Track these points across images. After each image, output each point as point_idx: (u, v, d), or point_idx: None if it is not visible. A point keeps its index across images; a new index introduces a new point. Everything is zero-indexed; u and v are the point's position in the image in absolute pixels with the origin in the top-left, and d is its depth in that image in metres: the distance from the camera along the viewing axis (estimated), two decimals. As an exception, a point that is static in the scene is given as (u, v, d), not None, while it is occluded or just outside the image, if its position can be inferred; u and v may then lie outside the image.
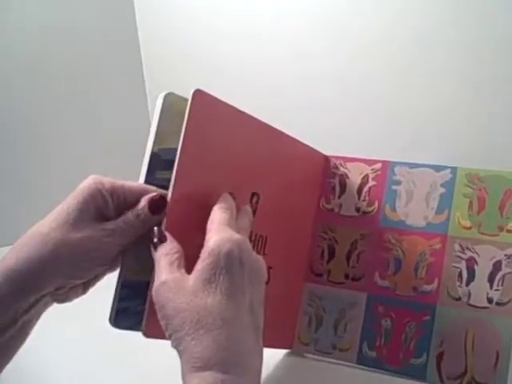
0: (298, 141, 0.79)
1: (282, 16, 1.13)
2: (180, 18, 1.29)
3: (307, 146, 0.81)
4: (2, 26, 1.29)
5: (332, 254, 0.83)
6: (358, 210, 0.83)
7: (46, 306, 0.64)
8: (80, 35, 1.39)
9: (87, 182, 0.62)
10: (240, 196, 0.68)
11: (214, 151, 0.65)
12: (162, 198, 0.62)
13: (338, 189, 0.84)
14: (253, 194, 0.72)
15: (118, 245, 0.62)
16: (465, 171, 0.80)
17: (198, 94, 0.62)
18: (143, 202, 0.63)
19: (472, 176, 0.79)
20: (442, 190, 0.80)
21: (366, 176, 0.83)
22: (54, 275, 0.60)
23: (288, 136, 0.77)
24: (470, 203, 0.79)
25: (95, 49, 1.40)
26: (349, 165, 0.84)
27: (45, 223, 0.61)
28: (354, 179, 0.83)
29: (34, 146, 1.35)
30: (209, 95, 0.64)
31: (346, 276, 0.82)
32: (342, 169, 0.84)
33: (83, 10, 1.40)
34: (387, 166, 0.82)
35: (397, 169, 0.82)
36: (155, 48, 1.36)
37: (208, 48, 1.24)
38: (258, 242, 0.73)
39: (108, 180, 0.63)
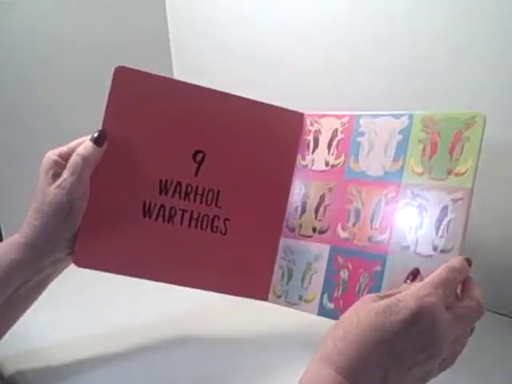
0: (261, 103, 0.85)
1: (309, 24, 1.13)
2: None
3: (278, 108, 0.86)
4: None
5: (304, 209, 0.85)
6: (327, 164, 0.83)
7: (62, 263, 0.81)
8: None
9: (44, 159, 0.79)
10: (181, 153, 0.82)
11: (143, 115, 0.81)
12: (101, 131, 0.79)
13: (311, 145, 0.85)
14: (196, 152, 0.82)
15: (76, 185, 0.76)
16: (420, 116, 0.76)
17: (120, 70, 0.79)
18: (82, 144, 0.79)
19: (426, 120, 0.76)
20: (400, 137, 0.78)
21: (336, 130, 0.83)
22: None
23: (243, 99, 0.84)
24: (424, 148, 0.75)
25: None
26: (322, 120, 0.85)
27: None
28: (326, 134, 0.84)
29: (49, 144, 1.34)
30: (132, 70, 0.80)
31: (314, 229, 0.83)
32: (316, 125, 0.85)
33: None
34: (353, 118, 0.82)
35: (362, 120, 0.81)
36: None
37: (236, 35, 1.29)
38: (207, 195, 0.83)
39: (58, 149, 0.80)
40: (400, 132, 0.77)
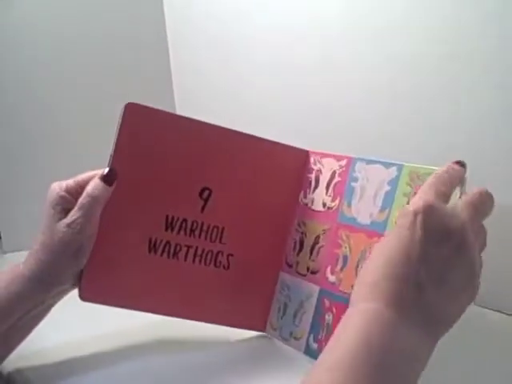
0: (267, 140, 0.86)
1: (309, 22, 1.13)
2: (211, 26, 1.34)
3: (284, 145, 0.87)
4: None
5: (301, 247, 0.86)
6: (324, 205, 0.84)
7: (66, 292, 0.82)
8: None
9: (49, 192, 0.79)
10: (188, 190, 0.83)
11: (150, 152, 0.81)
12: (111, 170, 0.78)
13: (313, 184, 0.86)
14: (203, 189, 0.84)
15: (86, 223, 0.77)
16: (408, 169, 0.76)
17: (131, 107, 0.79)
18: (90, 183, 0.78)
19: (412, 174, 0.75)
20: (388, 187, 0.77)
21: (334, 172, 0.83)
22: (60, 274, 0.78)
23: (250, 136, 0.85)
24: (407, 202, 0.75)
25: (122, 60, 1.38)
26: (323, 160, 0.85)
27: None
28: (326, 175, 0.84)
29: (53, 152, 1.33)
30: (142, 106, 0.80)
31: (307, 268, 0.84)
32: (318, 164, 0.86)
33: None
34: (350, 162, 0.82)
35: (357, 165, 0.81)
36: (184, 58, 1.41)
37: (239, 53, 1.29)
38: (212, 232, 0.85)
39: (64, 182, 0.80)
40: (389, 183, 0.77)
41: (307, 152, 0.87)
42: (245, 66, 1.26)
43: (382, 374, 0.54)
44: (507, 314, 0.92)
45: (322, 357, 0.57)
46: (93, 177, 0.79)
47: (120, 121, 0.79)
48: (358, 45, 1.05)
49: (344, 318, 0.60)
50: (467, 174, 0.68)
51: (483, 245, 0.65)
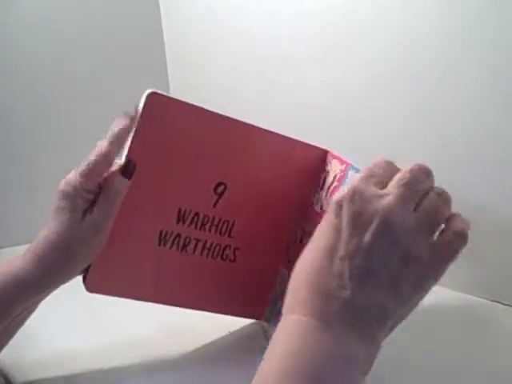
0: (288, 138, 0.84)
1: (306, 16, 1.07)
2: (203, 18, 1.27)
3: (304, 144, 0.84)
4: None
5: (300, 245, 0.85)
6: (321, 207, 0.82)
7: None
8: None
9: (62, 193, 0.72)
10: (203, 184, 0.82)
11: (168, 144, 0.78)
12: (130, 162, 0.74)
13: (321, 184, 0.84)
14: (218, 184, 0.82)
15: (106, 221, 0.74)
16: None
17: (153, 97, 0.74)
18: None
19: None
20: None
21: (335, 176, 0.81)
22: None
23: (270, 132, 0.83)
24: None
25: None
26: (333, 162, 0.82)
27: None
28: (330, 176, 0.82)
29: (48, 148, 1.32)
30: (164, 97, 0.76)
31: None
32: (329, 165, 0.83)
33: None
34: (347, 167, 0.79)
35: (349, 172, 0.78)
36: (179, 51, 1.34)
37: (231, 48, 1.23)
38: (222, 226, 0.84)
39: (76, 180, 0.72)
40: None
41: (326, 152, 0.85)
42: (242, 61, 1.23)
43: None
44: (504, 305, 0.92)
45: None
46: (100, 161, 0.72)
47: (139, 110, 0.74)
48: (357, 41, 1.02)
49: (276, 330, 0.59)
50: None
51: (433, 218, 0.57)
